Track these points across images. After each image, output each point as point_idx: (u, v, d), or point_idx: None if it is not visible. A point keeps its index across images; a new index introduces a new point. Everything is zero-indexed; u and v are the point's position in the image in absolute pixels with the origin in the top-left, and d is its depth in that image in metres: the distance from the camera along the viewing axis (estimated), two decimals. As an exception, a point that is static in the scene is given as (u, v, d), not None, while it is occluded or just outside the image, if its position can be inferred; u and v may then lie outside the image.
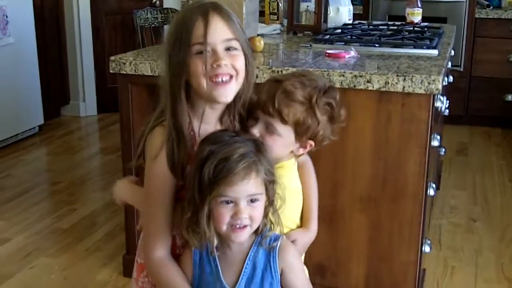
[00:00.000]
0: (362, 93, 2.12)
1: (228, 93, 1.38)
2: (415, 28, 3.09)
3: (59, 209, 3.40)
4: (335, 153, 2.22)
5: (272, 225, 1.38)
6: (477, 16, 4.82)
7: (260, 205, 1.32)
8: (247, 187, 1.28)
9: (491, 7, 4.91)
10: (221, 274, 1.36)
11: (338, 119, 1.51)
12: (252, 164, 1.28)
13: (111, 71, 2.40)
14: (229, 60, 1.35)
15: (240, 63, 1.38)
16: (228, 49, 1.36)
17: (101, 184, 3.80)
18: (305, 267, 1.51)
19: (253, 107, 1.47)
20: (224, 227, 1.30)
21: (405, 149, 2.15)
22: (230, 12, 1.39)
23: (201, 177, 1.28)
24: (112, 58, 2.40)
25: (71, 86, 5.26)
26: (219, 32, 1.34)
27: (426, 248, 2.35)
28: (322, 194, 2.24)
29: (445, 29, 3.35)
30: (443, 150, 3.56)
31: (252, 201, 1.30)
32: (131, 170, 2.47)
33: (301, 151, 1.52)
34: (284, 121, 1.44)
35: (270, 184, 1.33)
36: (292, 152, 1.52)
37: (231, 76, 1.37)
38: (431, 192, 2.30)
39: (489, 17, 4.81)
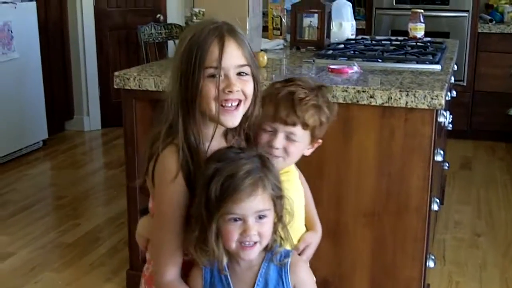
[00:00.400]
0: (365, 108, 2.13)
1: (235, 119, 1.39)
2: (418, 43, 3.11)
3: (63, 224, 3.40)
4: (339, 167, 2.23)
5: (282, 241, 1.38)
6: (479, 30, 4.84)
7: (269, 221, 1.31)
8: (254, 204, 1.27)
9: (494, 22, 4.93)
10: None
11: (335, 113, 1.57)
12: (259, 180, 1.28)
13: (115, 87, 2.42)
14: (240, 86, 1.36)
15: (250, 88, 1.39)
16: (239, 74, 1.37)
17: (105, 198, 3.81)
18: (314, 277, 1.51)
19: (263, 122, 1.49)
20: (233, 245, 1.30)
21: (408, 164, 2.15)
22: (243, 35, 1.40)
23: (207, 195, 1.27)
24: (116, 73, 2.41)
25: (75, 101, 5.29)
26: (233, 58, 1.35)
27: (430, 264, 2.34)
28: (326, 208, 2.25)
29: (448, 44, 3.36)
30: (447, 164, 3.56)
31: (260, 217, 1.29)
32: (135, 188, 2.49)
33: (310, 151, 1.58)
34: (306, 127, 1.49)
35: (277, 199, 1.33)
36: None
37: (239, 101, 1.38)
38: (435, 207, 2.30)
39: (491, 31, 4.83)
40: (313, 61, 2.68)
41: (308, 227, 1.65)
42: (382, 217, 2.22)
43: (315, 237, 1.64)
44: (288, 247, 1.41)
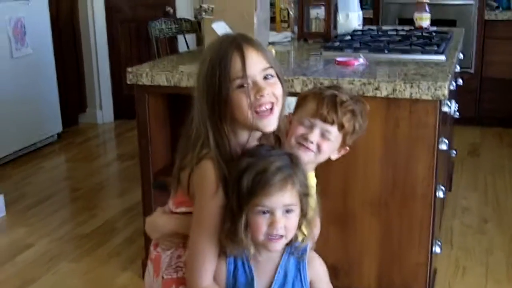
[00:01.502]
0: (371, 100, 2.18)
1: (272, 122, 1.44)
2: (424, 34, 3.15)
3: (80, 215, 3.50)
4: (346, 158, 2.27)
5: (304, 238, 1.44)
6: (486, 18, 4.86)
7: (295, 216, 1.38)
8: (283, 198, 1.34)
9: (500, 9, 4.96)
10: (255, 283, 1.42)
11: (365, 127, 1.65)
12: (288, 176, 1.35)
13: (128, 82, 2.49)
14: (269, 89, 1.41)
15: (279, 89, 1.44)
16: (265, 77, 1.42)
17: (119, 190, 3.90)
18: (327, 272, 1.58)
19: (302, 116, 1.57)
20: (261, 237, 1.36)
21: (413, 154, 2.21)
22: (258, 41, 1.46)
23: (239, 188, 1.34)
24: (129, 69, 2.49)
25: (88, 94, 5.38)
26: (256, 64, 1.40)
27: (437, 249, 2.40)
28: (334, 198, 2.32)
29: (454, 33, 3.40)
30: (454, 152, 3.62)
31: (287, 211, 1.36)
32: (149, 180, 2.56)
33: (336, 156, 1.65)
34: (341, 129, 1.56)
35: (304, 196, 1.39)
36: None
37: (272, 104, 1.43)
38: (441, 194, 2.37)
39: (498, 19, 4.85)
40: (320, 53, 2.73)
41: None
42: (389, 206, 2.29)
43: (317, 231, 1.68)
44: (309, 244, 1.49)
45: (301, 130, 1.56)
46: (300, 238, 1.45)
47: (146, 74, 2.44)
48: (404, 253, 2.32)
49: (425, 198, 2.24)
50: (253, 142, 1.47)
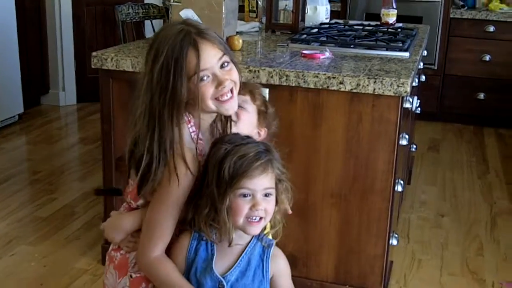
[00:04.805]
0: (335, 93, 2.22)
1: (234, 105, 1.51)
2: (389, 30, 3.19)
3: (39, 198, 3.46)
4: (308, 150, 2.32)
5: (272, 225, 1.50)
6: (452, 16, 4.94)
7: (273, 200, 1.44)
8: (264, 181, 1.40)
9: (466, 8, 5.04)
10: (213, 262, 1.46)
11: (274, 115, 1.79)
12: (268, 161, 1.42)
13: (92, 66, 2.47)
14: (228, 76, 1.47)
15: (235, 74, 1.50)
16: (222, 66, 1.46)
17: (80, 174, 3.86)
18: (290, 270, 1.61)
19: None
20: (241, 220, 1.41)
21: (374, 148, 2.25)
22: (209, 28, 1.48)
23: (220, 173, 1.39)
24: (94, 53, 2.46)
25: (51, 75, 5.29)
26: (212, 56, 1.44)
27: (394, 241, 2.46)
28: (295, 188, 2.35)
29: (419, 30, 3.45)
30: (414, 146, 3.69)
31: (266, 195, 1.42)
32: (110, 165, 2.56)
33: (258, 137, 1.72)
34: (253, 100, 1.69)
35: (279, 182, 1.46)
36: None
37: (231, 89, 1.48)
38: (399, 188, 2.42)
39: (463, 17, 4.93)
40: (287, 45, 2.75)
41: None
42: (349, 198, 2.33)
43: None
44: (270, 237, 1.54)
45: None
46: (268, 229, 1.51)
47: (111, 59, 2.43)
48: (361, 244, 2.37)
49: (384, 192, 2.29)
50: (208, 122, 1.53)
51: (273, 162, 1.43)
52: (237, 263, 1.46)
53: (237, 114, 1.61)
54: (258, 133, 1.74)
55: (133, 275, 1.55)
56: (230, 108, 1.50)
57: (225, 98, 1.47)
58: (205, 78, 1.44)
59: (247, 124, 1.68)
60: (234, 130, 1.59)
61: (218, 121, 1.57)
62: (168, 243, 1.48)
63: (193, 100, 1.45)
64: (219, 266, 1.46)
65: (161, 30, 1.50)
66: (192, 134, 1.49)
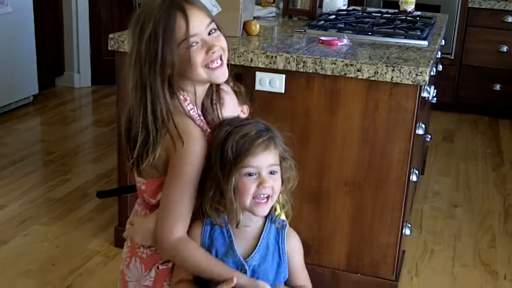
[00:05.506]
0: (352, 81, 2.21)
1: (224, 72, 1.49)
2: (408, 18, 3.16)
3: (53, 179, 3.47)
4: (324, 137, 2.31)
5: (282, 205, 1.49)
6: (470, 5, 4.88)
7: (279, 177, 1.43)
8: (268, 158, 1.40)
9: (485, -3, 4.99)
10: (235, 245, 1.44)
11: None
12: (270, 138, 1.41)
13: (109, 49, 2.46)
14: (217, 43, 1.45)
15: (224, 41, 1.48)
16: (210, 33, 1.44)
17: (94, 156, 3.88)
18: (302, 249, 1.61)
19: None
20: (248, 201, 1.39)
21: (391, 137, 2.24)
22: None
23: (223, 154, 1.38)
24: (111, 36, 2.46)
25: (66, 57, 5.30)
26: (200, 21, 1.42)
27: (407, 231, 2.45)
28: (309, 175, 2.35)
29: (437, 18, 3.42)
30: (429, 136, 3.66)
31: (271, 172, 1.41)
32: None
33: (243, 114, 1.73)
34: (227, 82, 1.65)
35: (284, 160, 1.45)
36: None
37: (221, 56, 1.47)
38: (414, 178, 2.40)
39: (482, 7, 4.87)
40: (305, 31, 2.73)
41: None
42: (363, 186, 2.32)
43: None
44: (283, 217, 1.52)
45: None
46: (278, 210, 1.49)
47: (128, 41, 2.41)
48: (374, 233, 2.36)
49: (399, 181, 2.28)
50: (202, 97, 1.52)
51: (275, 139, 1.42)
52: (256, 249, 1.45)
53: (222, 99, 1.59)
54: (241, 111, 1.74)
55: (160, 267, 1.50)
56: (221, 75, 1.48)
57: (215, 64, 1.45)
58: (194, 44, 1.41)
59: (233, 106, 1.67)
60: (225, 115, 1.57)
61: (208, 106, 1.54)
62: (188, 224, 1.43)
63: (184, 70, 1.43)
64: (240, 250, 1.45)
65: (145, 2, 1.47)
66: (191, 111, 1.46)
